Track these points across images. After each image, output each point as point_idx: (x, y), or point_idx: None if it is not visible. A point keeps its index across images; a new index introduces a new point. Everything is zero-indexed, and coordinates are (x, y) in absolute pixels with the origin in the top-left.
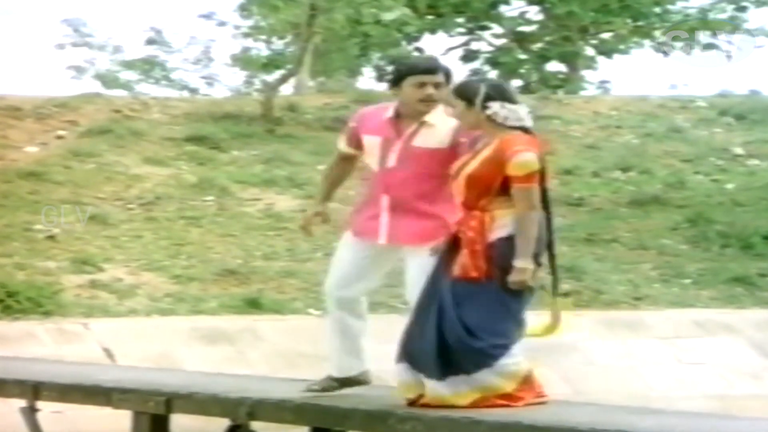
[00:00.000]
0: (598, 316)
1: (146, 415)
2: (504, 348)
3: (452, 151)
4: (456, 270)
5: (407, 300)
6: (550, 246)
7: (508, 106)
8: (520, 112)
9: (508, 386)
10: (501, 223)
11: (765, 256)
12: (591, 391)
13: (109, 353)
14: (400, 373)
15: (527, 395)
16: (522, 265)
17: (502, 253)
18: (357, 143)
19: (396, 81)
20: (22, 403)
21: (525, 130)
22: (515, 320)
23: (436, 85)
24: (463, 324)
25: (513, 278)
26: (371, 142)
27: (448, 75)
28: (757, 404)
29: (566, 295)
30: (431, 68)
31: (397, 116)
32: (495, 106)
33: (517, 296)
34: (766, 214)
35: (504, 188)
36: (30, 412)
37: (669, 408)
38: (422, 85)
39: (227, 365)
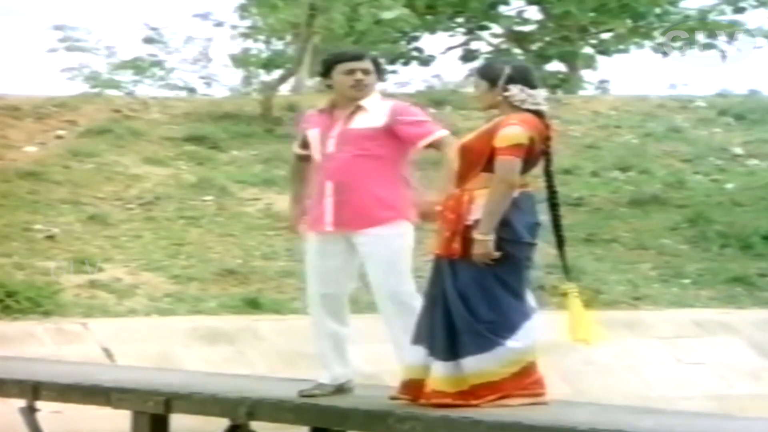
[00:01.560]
0: (598, 316)
1: (146, 415)
2: (507, 329)
3: (390, 131)
4: (437, 248)
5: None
6: (560, 244)
7: (527, 90)
8: (539, 97)
9: (505, 372)
10: (480, 203)
11: (764, 256)
12: (590, 390)
13: (108, 353)
14: (411, 354)
15: (519, 386)
16: (480, 237)
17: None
18: (306, 143)
19: (326, 72)
20: (22, 402)
21: (538, 114)
22: (515, 295)
23: (365, 71)
24: (464, 303)
25: (474, 251)
26: (313, 136)
27: (376, 62)
28: (757, 404)
29: (565, 294)
30: (358, 55)
31: (333, 107)
32: (515, 89)
33: (509, 271)
34: (766, 214)
35: (491, 164)
36: (29, 412)
37: (668, 408)
38: (351, 71)
39: (227, 365)
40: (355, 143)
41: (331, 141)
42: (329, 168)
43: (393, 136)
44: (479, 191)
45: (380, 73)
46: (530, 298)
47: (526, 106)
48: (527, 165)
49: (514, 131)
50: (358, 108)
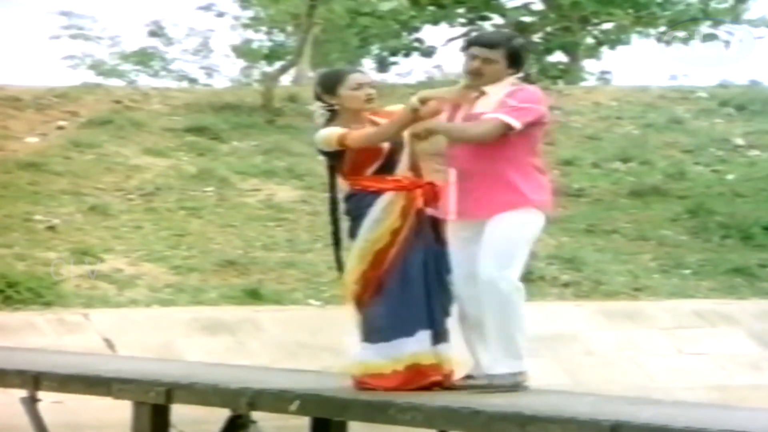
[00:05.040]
0: (598, 307)
1: (147, 406)
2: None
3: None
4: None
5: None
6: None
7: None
8: None
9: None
10: None
11: (765, 246)
12: (591, 381)
13: (109, 343)
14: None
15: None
16: None
17: None
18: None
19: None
20: (23, 393)
21: None
22: None
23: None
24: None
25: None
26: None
27: (512, 49)
28: (757, 394)
29: (566, 285)
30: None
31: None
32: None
33: None
34: (766, 205)
35: None
36: (31, 402)
37: (669, 398)
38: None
39: (227, 356)
40: None
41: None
42: (452, 154)
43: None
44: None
45: (515, 61)
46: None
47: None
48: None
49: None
50: (482, 93)
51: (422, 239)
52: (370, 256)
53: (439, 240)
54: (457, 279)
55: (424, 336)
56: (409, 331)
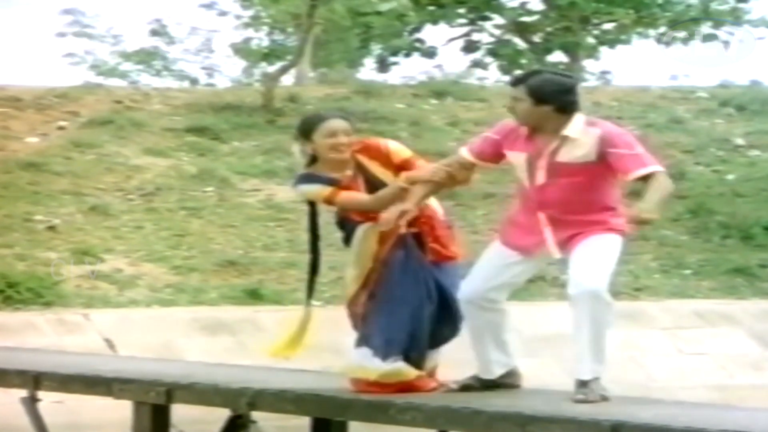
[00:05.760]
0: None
1: (147, 405)
2: None
3: (601, 162)
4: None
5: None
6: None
7: None
8: None
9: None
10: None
11: (765, 247)
12: None
13: (110, 344)
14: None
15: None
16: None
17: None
18: (488, 153)
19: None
20: (23, 393)
21: None
22: None
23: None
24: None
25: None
26: (517, 160)
27: (536, 90)
28: (757, 394)
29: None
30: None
31: (533, 132)
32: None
33: None
34: (767, 205)
35: None
36: (31, 402)
37: (669, 398)
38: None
39: (228, 356)
40: (566, 176)
41: (540, 173)
42: (541, 200)
43: (604, 165)
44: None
45: (542, 97)
46: None
47: None
48: None
49: None
50: (564, 138)
51: (410, 262)
52: (360, 280)
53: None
54: (486, 286)
55: (394, 361)
56: (385, 357)
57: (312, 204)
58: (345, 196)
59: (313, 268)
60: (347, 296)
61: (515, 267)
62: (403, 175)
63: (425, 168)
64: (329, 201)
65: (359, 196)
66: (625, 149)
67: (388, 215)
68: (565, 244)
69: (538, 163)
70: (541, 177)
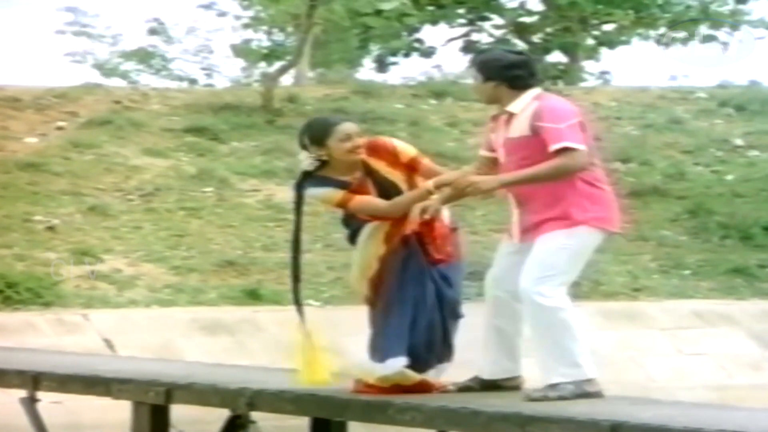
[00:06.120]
0: (597, 307)
1: (146, 406)
2: None
3: (539, 137)
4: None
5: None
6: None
7: None
8: None
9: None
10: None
11: (765, 247)
12: None
13: (109, 344)
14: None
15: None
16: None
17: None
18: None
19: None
20: (23, 393)
21: None
22: None
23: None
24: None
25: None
26: (495, 140)
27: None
28: (757, 394)
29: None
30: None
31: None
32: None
33: None
34: (766, 206)
35: None
36: (30, 402)
37: (668, 398)
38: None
39: (227, 356)
40: (516, 152)
41: (500, 150)
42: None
43: (540, 140)
44: None
45: (492, 74)
46: None
47: None
48: None
49: None
50: (511, 115)
51: (413, 263)
52: (364, 280)
53: (433, 258)
54: (499, 290)
55: (396, 363)
56: (383, 359)
57: (298, 213)
58: (360, 200)
59: (296, 276)
60: (361, 296)
61: (514, 256)
62: (432, 180)
63: (451, 173)
64: (342, 205)
65: (374, 200)
66: (550, 123)
67: (412, 216)
68: (528, 233)
69: (499, 141)
70: (502, 154)
